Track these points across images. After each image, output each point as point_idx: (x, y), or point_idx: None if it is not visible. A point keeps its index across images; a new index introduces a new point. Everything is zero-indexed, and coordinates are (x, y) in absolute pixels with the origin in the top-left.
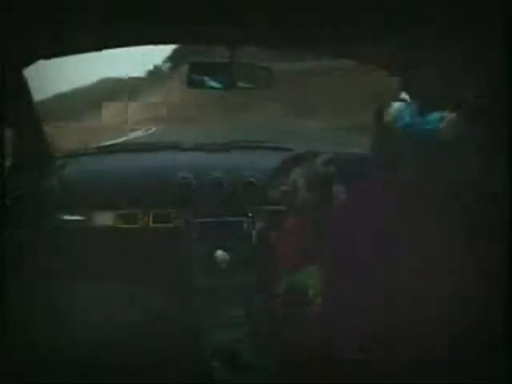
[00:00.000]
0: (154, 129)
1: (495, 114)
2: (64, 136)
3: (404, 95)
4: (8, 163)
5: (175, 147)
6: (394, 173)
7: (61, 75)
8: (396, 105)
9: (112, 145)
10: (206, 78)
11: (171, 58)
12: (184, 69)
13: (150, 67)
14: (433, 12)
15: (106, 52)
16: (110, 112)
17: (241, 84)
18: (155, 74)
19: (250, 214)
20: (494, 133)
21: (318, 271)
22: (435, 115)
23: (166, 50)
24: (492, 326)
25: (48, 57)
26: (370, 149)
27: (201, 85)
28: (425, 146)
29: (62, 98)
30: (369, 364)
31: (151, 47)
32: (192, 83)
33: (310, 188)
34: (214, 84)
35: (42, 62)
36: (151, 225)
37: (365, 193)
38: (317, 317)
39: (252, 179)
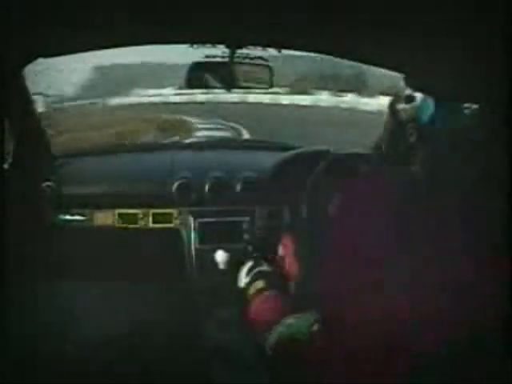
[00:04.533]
0: None
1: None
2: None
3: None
4: (8, 163)
5: (175, 147)
6: (405, 172)
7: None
8: (418, 100)
9: (112, 145)
10: (206, 78)
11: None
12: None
13: None
14: (442, 10)
15: None
16: None
17: (241, 84)
18: None
19: (250, 214)
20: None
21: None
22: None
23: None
24: (493, 327)
25: (48, 56)
26: (380, 147)
27: (201, 85)
28: (444, 144)
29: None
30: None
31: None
32: (192, 83)
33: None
34: (214, 84)
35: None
36: (151, 225)
37: (375, 194)
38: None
39: (252, 179)
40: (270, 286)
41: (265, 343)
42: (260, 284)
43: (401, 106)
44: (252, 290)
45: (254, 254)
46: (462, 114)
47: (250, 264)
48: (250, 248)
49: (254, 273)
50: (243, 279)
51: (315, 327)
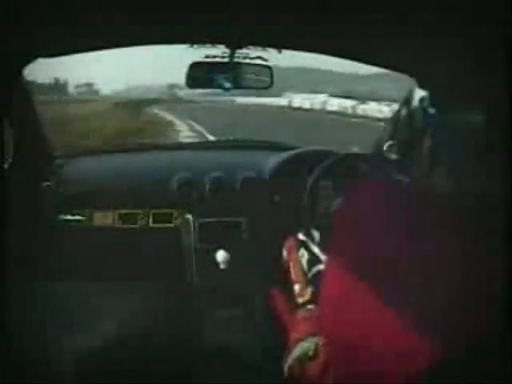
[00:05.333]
0: None
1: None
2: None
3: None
4: (8, 163)
5: (175, 147)
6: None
7: None
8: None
9: (112, 145)
10: (206, 78)
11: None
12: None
13: None
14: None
15: None
16: None
17: (241, 84)
18: None
19: (250, 214)
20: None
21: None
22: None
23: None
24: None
25: (48, 56)
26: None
27: (201, 85)
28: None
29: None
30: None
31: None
32: (192, 83)
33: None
34: (214, 84)
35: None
36: (151, 225)
37: (378, 195)
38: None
39: (252, 179)
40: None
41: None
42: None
43: (407, 108)
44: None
45: None
46: (462, 114)
47: None
48: None
49: None
50: None
51: (321, 342)
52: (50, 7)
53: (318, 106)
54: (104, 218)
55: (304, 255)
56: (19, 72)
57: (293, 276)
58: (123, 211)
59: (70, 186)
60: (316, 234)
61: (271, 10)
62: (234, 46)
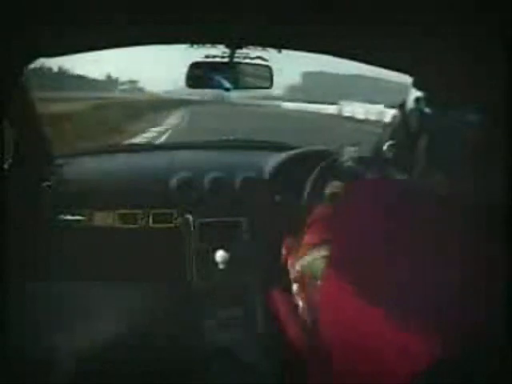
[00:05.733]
0: None
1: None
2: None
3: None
4: (8, 163)
5: (175, 147)
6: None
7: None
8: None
9: (112, 145)
10: (206, 78)
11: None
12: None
13: None
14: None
15: None
16: None
17: (241, 84)
18: None
19: (250, 214)
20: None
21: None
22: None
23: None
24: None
25: (48, 56)
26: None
27: (201, 85)
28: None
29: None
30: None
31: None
32: (192, 83)
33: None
34: (214, 84)
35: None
36: (151, 225)
37: (374, 194)
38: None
39: (252, 179)
40: None
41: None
42: None
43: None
44: None
45: None
46: (461, 114)
47: None
48: None
49: None
50: None
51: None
52: (50, 7)
53: (373, 117)
54: (104, 218)
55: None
56: (19, 72)
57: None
58: (123, 211)
59: (70, 185)
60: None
61: (271, 10)
62: (233, 46)
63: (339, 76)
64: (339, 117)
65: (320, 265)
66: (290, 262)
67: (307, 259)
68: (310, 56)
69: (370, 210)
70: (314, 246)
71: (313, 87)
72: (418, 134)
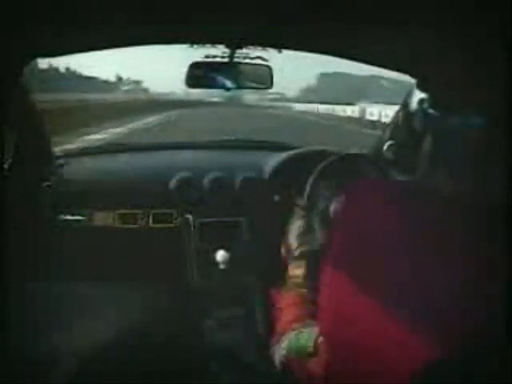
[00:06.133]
0: None
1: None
2: None
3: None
4: (8, 163)
5: (175, 147)
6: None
7: None
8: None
9: (112, 145)
10: (206, 78)
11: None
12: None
13: None
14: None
15: None
16: None
17: (241, 84)
18: None
19: (250, 214)
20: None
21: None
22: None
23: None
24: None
25: (48, 56)
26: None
27: (201, 85)
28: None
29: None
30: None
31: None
32: (192, 83)
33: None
34: (214, 84)
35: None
36: (151, 225)
37: (376, 195)
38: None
39: (252, 179)
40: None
41: (274, 355)
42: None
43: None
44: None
45: None
46: (461, 114)
47: None
48: None
49: None
50: None
51: (321, 338)
52: (50, 7)
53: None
54: (104, 218)
55: (299, 227)
56: (19, 72)
57: (286, 254)
58: (123, 211)
59: (70, 185)
60: (315, 212)
61: (271, 10)
62: (233, 46)
63: (356, 76)
64: (362, 120)
65: (306, 337)
66: (272, 349)
67: (292, 341)
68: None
69: (369, 210)
70: (293, 326)
71: (330, 87)
72: (418, 135)
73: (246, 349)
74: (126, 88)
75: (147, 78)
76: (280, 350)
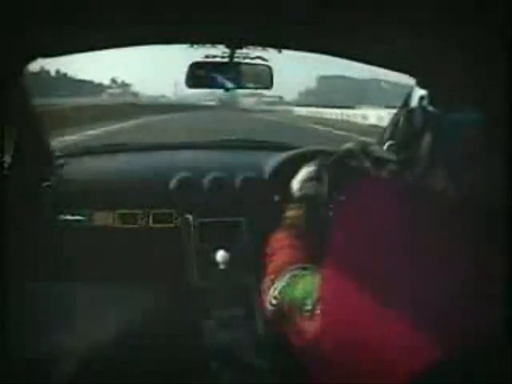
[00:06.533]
0: None
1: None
2: None
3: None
4: (8, 163)
5: (175, 147)
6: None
7: None
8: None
9: (112, 145)
10: (206, 78)
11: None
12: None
13: None
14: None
15: None
16: None
17: (241, 84)
18: None
19: (250, 214)
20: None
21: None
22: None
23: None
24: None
25: (48, 56)
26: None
27: (200, 85)
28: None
29: None
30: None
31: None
32: (192, 83)
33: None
34: (214, 84)
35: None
36: (151, 225)
37: (375, 194)
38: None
39: (252, 179)
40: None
41: (265, 301)
42: None
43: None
44: None
45: None
46: (462, 114)
47: None
48: None
49: None
50: None
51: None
52: (50, 7)
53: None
54: (104, 218)
55: (305, 173)
56: (19, 72)
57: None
58: (123, 211)
59: (70, 185)
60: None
61: (271, 10)
62: (233, 46)
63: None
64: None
65: (300, 287)
66: (263, 294)
67: (282, 282)
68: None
69: (369, 210)
70: (286, 268)
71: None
72: (418, 135)
73: (246, 349)
74: (115, 90)
75: (141, 80)
76: (273, 291)
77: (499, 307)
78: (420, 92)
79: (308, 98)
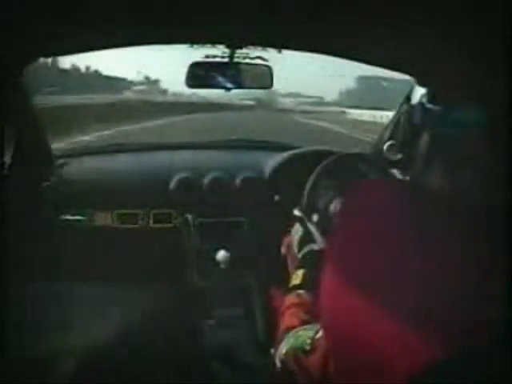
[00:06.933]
0: None
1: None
2: None
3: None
4: (8, 163)
5: (175, 147)
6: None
7: None
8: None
9: (112, 145)
10: (206, 78)
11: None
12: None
13: None
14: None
15: None
16: None
17: (241, 84)
18: None
19: (250, 214)
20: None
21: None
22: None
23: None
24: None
25: (48, 56)
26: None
27: (200, 85)
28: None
29: None
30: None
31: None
32: (192, 83)
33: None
34: (214, 84)
35: None
36: (151, 225)
37: (376, 195)
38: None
39: (252, 179)
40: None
41: (274, 354)
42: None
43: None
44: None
45: None
46: (462, 114)
47: None
48: None
49: None
50: None
51: (319, 335)
52: (50, 7)
53: None
54: (104, 218)
55: (298, 232)
56: (19, 72)
57: (287, 260)
58: (123, 211)
59: (70, 185)
60: (314, 216)
61: (271, 10)
62: (234, 46)
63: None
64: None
65: (304, 336)
66: (273, 350)
67: (291, 340)
68: None
69: (369, 211)
70: (294, 327)
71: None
72: (418, 135)
73: (246, 349)
74: (144, 87)
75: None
76: (280, 349)
77: (499, 307)
78: (419, 92)
79: (349, 100)
